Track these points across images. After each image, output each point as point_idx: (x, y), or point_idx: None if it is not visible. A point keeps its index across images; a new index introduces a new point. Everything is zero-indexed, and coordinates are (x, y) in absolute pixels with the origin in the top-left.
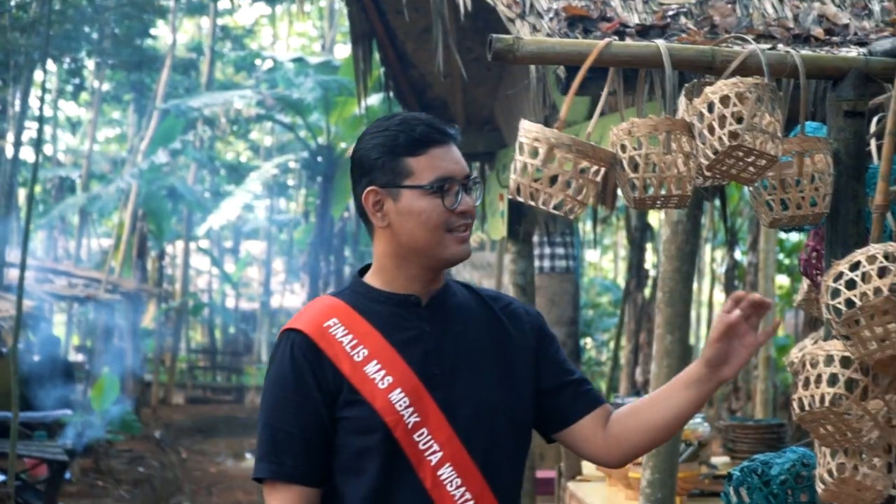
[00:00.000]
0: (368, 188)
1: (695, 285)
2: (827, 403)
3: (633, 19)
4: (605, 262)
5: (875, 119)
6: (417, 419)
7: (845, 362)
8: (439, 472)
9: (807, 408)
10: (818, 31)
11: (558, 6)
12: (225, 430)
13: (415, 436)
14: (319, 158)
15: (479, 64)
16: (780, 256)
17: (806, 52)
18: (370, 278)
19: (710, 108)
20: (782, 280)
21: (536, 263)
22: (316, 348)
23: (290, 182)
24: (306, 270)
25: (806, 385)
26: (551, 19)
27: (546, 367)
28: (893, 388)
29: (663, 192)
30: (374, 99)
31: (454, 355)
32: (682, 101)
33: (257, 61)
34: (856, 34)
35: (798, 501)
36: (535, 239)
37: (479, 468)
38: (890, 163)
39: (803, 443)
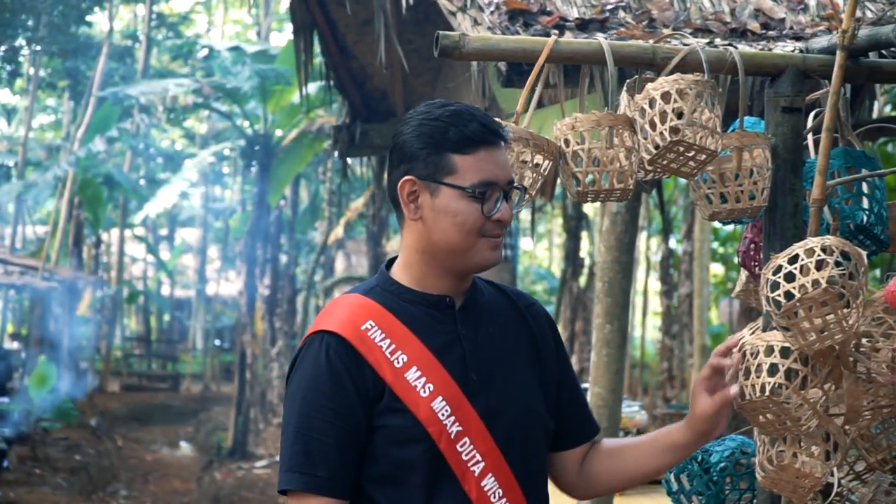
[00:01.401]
0: (406, 177)
1: None
2: (767, 393)
3: (573, 13)
4: (539, 250)
5: (812, 114)
6: (459, 428)
7: (785, 352)
8: (483, 483)
9: (747, 397)
10: (754, 26)
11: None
12: (160, 418)
13: (458, 446)
14: (256, 147)
15: (419, 55)
16: (715, 245)
17: (744, 48)
18: (399, 274)
19: (652, 103)
20: (716, 269)
21: None
22: (354, 352)
23: (227, 170)
24: (242, 258)
25: (746, 375)
26: (492, 13)
27: (563, 377)
28: (832, 377)
29: (605, 185)
30: (313, 87)
31: (490, 359)
32: (623, 96)
33: (194, 49)
34: (792, 28)
35: (737, 488)
36: None
37: (517, 479)
38: (827, 157)
39: (742, 431)
